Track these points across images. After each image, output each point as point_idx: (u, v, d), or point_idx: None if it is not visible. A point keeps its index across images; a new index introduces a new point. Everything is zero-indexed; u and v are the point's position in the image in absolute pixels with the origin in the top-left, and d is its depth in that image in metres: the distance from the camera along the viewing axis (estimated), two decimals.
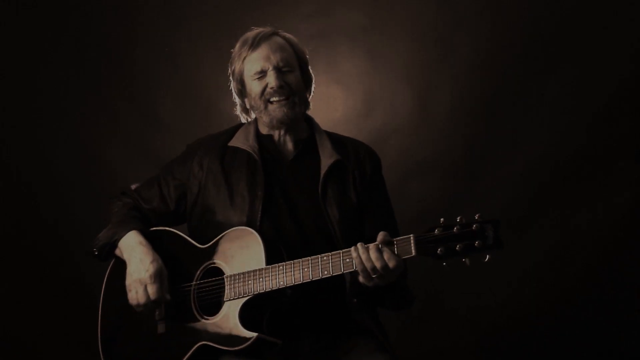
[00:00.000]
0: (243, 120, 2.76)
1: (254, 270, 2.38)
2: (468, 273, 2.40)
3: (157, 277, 2.47)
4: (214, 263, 2.49)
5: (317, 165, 2.59)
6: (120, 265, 2.59)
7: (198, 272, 2.50)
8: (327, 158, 2.59)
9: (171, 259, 2.53)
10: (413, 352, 3.84)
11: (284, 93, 2.57)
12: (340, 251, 2.30)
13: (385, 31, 4.21)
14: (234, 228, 2.46)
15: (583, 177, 4.00)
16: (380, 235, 2.25)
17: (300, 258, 2.34)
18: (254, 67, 2.59)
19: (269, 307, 2.41)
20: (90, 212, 3.90)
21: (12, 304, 4.20)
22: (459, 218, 2.17)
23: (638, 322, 3.91)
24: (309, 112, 2.72)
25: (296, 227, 2.52)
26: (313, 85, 2.71)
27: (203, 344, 2.40)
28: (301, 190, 2.57)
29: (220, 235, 2.48)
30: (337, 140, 2.68)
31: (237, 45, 2.64)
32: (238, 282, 2.40)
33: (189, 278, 2.51)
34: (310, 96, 2.71)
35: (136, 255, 2.50)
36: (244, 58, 2.61)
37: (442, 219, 2.19)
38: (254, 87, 2.60)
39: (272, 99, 2.57)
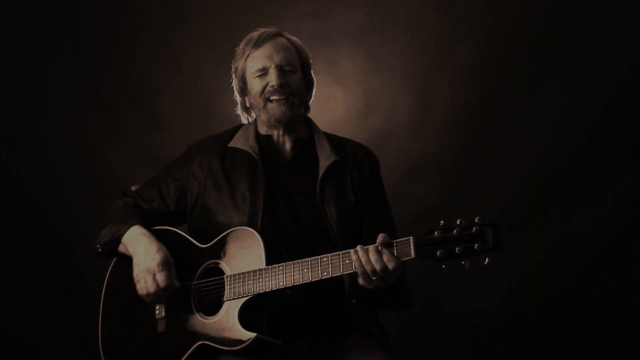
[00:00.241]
0: (244, 120, 2.76)
1: (254, 271, 2.38)
2: (468, 274, 2.40)
3: (164, 264, 2.48)
4: (215, 263, 2.49)
5: (315, 166, 2.59)
6: (122, 265, 2.61)
7: (198, 272, 2.51)
8: (325, 159, 2.60)
9: (172, 257, 2.53)
10: (413, 353, 3.84)
11: (284, 92, 2.57)
12: (340, 252, 2.30)
13: (385, 31, 4.21)
14: (235, 228, 2.47)
15: (583, 177, 4.00)
16: (380, 237, 2.25)
17: (300, 258, 2.34)
18: (256, 64, 2.60)
19: (268, 307, 2.41)
20: (90, 212, 3.88)
21: (12, 304, 4.20)
22: (458, 221, 2.17)
23: (638, 322, 3.91)
24: (309, 113, 2.72)
25: (296, 227, 2.52)
26: (314, 90, 2.72)
27: (202, 344, 2.40)
28: (300, 190, 2.58)
29: (221, 235, 2.49)
30: (335, 142, 2.68)
31: (242, 44, 2.66)
32: (238, 282, 2.40)
33: (190, 277, 2.52)
34: (311, 100, 2.72)
35: (141, 247, 2.51)
36: (247, 55, 2.63)
37: (442, 222, 2.19)
38: (255, 84, 2.60)
39: (271, 98, 2.58)
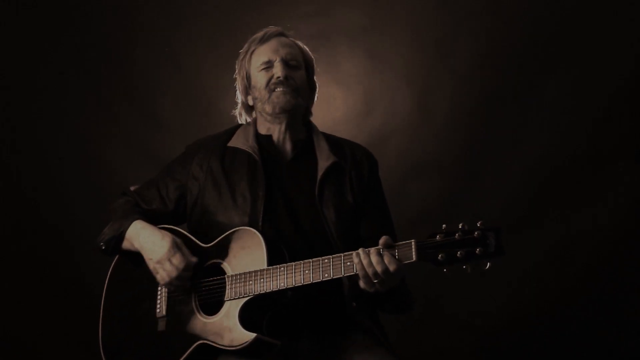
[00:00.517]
0: (241, 121, 2.77)
1: (255, 271, 2.38)
2: (468, 276, 2.39)
3: (174, 247, 2.47)
4: (216, 262, 2.49)
5: (314, 167, 2.60)
6: (124, 263, 2.62)
7: (200, 271, 2.51)
8: (324, 160, 2.60)
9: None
10: (413, 354, 3.84)
11: (289, 85, 2.59)
12: (342, 254, 2.30)
13: (385, 31, 4.21)
14: (238, 228, 2.47)
15: (583, 177, 4.00)
16: (382, 239, 2.25)
17: (299, 259, 2.34)
18: (261, 58, 2.63)
19: (269, 308, 2.41)
20: (90, 212, 3.90)
21: (12, 304, 4.20)
22: (461, 224, 2.17)
23: (638, 322, 3.92)
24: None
25: (296, 228, 2.52)
26: (316, 95, 2.73)
27: (202, 343, 2.41)
28: (300, 191, 2.58)
29: (223, 235, 2.49)
30: (334, 142, 2.69)
31: (246, 44, 2.69)
32: (239, 282, 2.40)
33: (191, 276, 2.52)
34: (312, 104, 2.72)
35: (146, 240, 2.51)
36: (252, 51, 2.66)
37: (444, 225, 2.19)
38: (260, 78, 2.62)
39: (276, 89, 2.59)
